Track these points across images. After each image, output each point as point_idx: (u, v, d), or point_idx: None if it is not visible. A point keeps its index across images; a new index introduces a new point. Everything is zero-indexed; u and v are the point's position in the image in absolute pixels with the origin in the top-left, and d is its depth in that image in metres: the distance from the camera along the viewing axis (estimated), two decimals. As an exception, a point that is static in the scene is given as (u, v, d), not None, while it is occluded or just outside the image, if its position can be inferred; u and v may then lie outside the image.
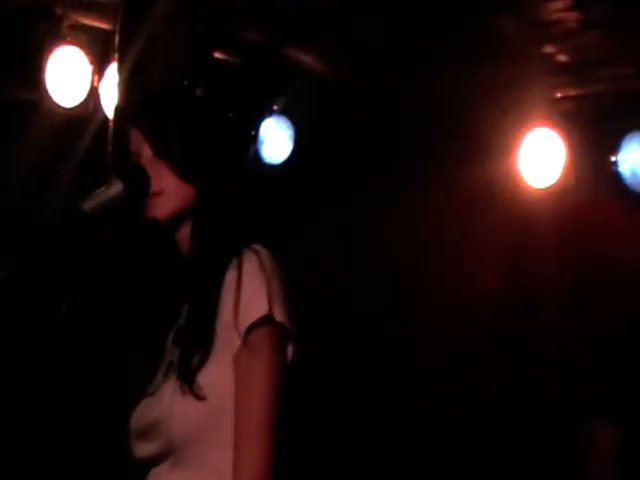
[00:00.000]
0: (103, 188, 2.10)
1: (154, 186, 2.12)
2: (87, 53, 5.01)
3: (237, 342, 2.00)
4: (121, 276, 3.42)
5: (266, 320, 1.99)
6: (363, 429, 5.67)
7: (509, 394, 5.70)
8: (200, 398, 1.99)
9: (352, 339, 5.73)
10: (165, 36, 3.61)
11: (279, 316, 2.01)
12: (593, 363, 5.18)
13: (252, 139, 2.25)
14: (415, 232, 5.72)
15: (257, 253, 2.05)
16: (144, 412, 2.10)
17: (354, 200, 5.71)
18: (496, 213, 5.57)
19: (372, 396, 5.75)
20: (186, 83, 2.24)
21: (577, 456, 4.85)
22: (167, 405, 2.02)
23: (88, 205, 2.07)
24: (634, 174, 5.19)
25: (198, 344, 2.02)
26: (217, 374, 2.01)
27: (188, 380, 2.00)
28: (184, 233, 2.15)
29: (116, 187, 2.09)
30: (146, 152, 2.15)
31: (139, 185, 2.11)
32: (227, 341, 2.01)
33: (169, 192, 2.12)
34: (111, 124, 3.74)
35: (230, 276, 2.03)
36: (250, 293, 2.01)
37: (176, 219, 2.14)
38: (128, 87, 3.62)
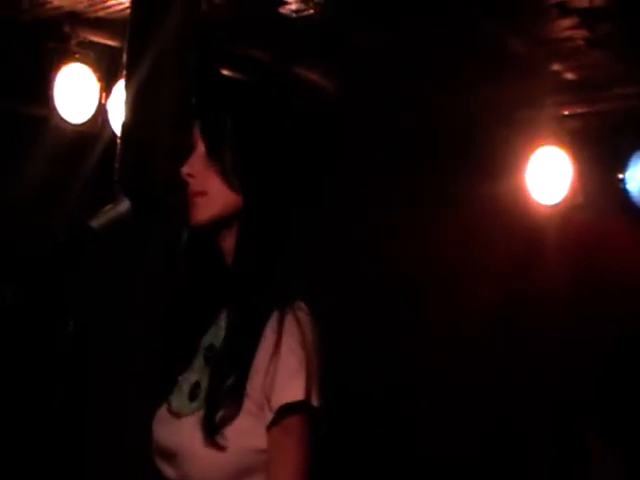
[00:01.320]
0: (111, 205, 2.10)
1: (200, 186, 2.08)
2: (95, 70, 5.03)
3: (269, 414, 1.97)
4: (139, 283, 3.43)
5: (302, 404, 1.96)
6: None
7: (507, 411, 5.70)
8: (220, 448, 1.97)
9: (351, 357, 5.72)
10: (174, 53, 3.61)
11: (315, 401, 1.97)
12: (592, 382, 5.19)
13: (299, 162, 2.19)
14: (422, 249, 5.71)
15: (299, 321, 2.00)
16: (167, 433, 2.08)
17: (360, 216, 5.71)
18: (504, 230, 5.56)
19: (367, 416, 5.75)
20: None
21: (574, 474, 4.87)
22: (187, 445, 2.01)
23: (96, 222, 2.07)
24: (642, 191, 5.18)
25: (230, 399, 1.99)
26: (240, 429, 1.99)
27: (213, 433, 1.97)
28: (229, 244, 2.11)
29: (124, 204, 2.09)
30: (200, 148, 2.12)
31: (146, 202, 2.11)
32: (257, 405, 1.99)
33: (213, 194, 2.08)
34: (119, 140, 3.74)
35: (269, 337, 1.99)
36: (288, 371, 1.97)
37: (218, 224, 2.10)
38: (140, 103, 3.62)
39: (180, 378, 2.15)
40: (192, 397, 2.08)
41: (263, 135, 2.12)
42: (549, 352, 5.63)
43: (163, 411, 2.13)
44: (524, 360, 5.73)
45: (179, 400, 2.11)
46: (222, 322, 2.14)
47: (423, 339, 5.74)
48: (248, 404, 1.99)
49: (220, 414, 1.98)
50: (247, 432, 1.98)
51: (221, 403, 2.00)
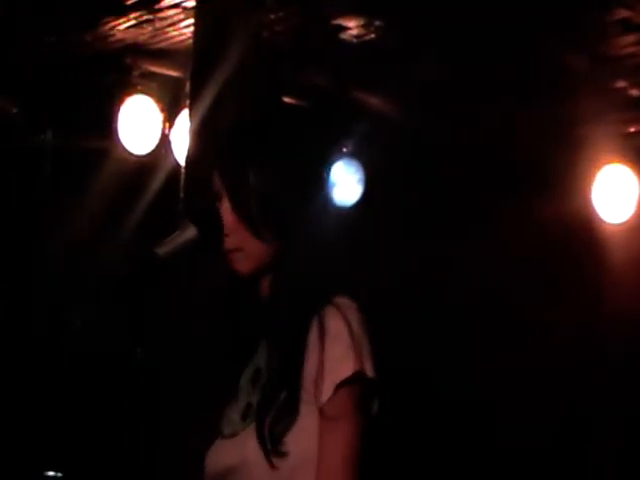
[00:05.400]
0: (177, 233, 2.10)
1: (233, 242, 2.09)
2: (157, 101, 5.08)
3: (322, 399, 1.98)
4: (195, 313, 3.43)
5: (355, 378, 1.97)
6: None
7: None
8: (283, 454, 1.98)
9: (414, 381, 5.70)
10: (237, 82, 3.62)
11: (370, 372, 1.99)
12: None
13: (325, 183, 2.17)
14: (488, 269, 5.68)
15: (340, 309, 2.01)
16: (223, 455, 2.08)
17: (425, 239, 5.68)
18: (571, 249, 5.51)
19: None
20: (263, 129, 2.16)
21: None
22: (249, 454, 2.01)
23: (162, 250, 2.07)
24: None
25: (286, 412, 1.99)
26: (300, 432, 1.99)
27: (272, 447, 1.98)
28: (265, 280, 2.12)
29: (190, 232, 2.09)
30: (225, 202, 2.11)
31: (213, 229, 2.11)
32: (311, 398, 1.99)
33: (248, 251, 2.09)
34: (183, 170, 3.76)
35: (313, 335, 2.00)
36: (336, 353, 1.98)
37: (258, 273, 2.11)
38: (204, 132, 3.64)
39: (228, 410, 2.14)
40: (245, 417, 2.08)
41: (288, 185, 2.09)
42: (625, 369, 5.58)
43: (217, 442, 2.12)
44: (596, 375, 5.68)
45: (232, 425, 2.10)
46: (263, 350, 2.14)
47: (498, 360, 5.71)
48: (303, 403, 1.99)
49: (276, 425, 1.98)
50: (306, 433, 1.98)
51: (273, 410, 1.99)
